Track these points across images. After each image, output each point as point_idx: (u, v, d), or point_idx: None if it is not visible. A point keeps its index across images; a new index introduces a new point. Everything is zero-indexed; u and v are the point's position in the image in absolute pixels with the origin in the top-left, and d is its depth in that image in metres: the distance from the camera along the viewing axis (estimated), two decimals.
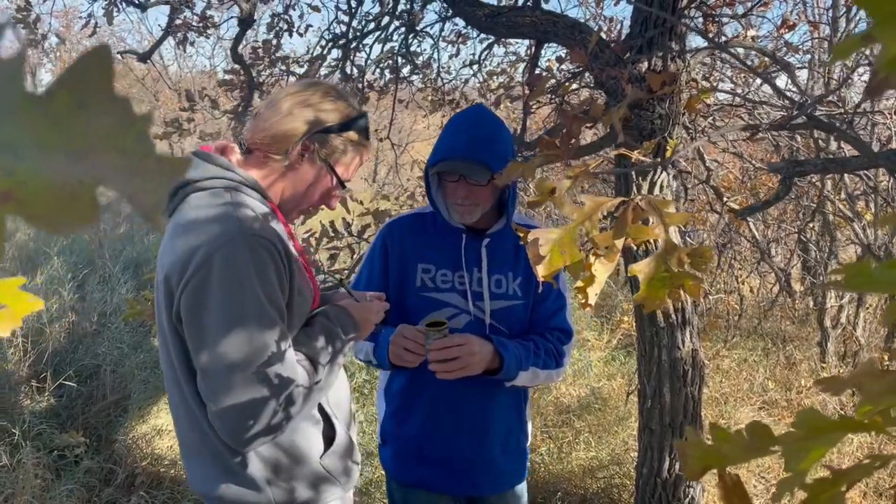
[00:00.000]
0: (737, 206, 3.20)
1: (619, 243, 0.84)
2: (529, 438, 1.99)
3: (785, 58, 3.33)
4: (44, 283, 5.07)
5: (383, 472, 3.26)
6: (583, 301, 0.84)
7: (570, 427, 3.98)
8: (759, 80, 4.79)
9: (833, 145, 4.37)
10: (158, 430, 3.52)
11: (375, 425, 3.79)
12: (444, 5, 3.54)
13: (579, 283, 0.85)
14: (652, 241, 0.95)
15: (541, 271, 0.86)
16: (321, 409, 1.42)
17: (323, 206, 1.51)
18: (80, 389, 3.72)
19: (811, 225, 5.57)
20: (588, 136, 5.09)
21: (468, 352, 1.63)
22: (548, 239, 0.86)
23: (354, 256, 3.21)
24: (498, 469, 1.88)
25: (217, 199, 1.27)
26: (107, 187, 0.25)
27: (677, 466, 2.71)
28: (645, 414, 2.77)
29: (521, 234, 0.89)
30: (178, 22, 4.05)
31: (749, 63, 3.59)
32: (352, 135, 1.42)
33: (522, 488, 1.99)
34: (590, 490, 3.31)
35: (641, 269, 0.84)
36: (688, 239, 5.84)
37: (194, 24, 4.21)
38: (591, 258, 0.84)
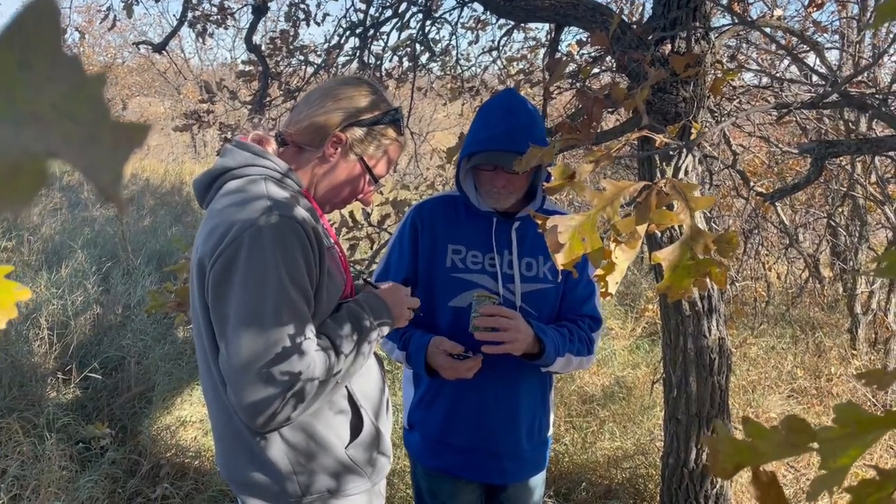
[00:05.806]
0: (764, 191, 3.12)
1: (642, 229, 0.80)
2: (552, 428, 1.97)
3: (813, 37, 3.23)
4: (68, 276, 5.13)
5: (406, 462, 3.26)
6: (602, 290, 0.81)
7: (595, 417, 3.94)
8: (785, 63, 4.67)
9: (863, 127, 4.25)
10: (182, 422, 3.53)
11: (395, 415, 3.78)
12: None
13: (599, 272, 0.81)
14: (676, 227, 0.91)
15: (560, 259, 0.82)
16: (349, 399, 1.41)
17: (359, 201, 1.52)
18: (105, 381, 3.75)
19: (840, 209, 5.43)
20: (611, 121, 5.01)
21: (516, 327, 1.63)
22: (567, 226, 0.82)
23: (374, 247, 3.18)
24: (523, 457, 1.87)
25: (251, 185, 1.30)
26: (59, 159, 0.22)
27: (704, 457, 2.65)
28: (671, 404, 2.72)
29: (540, 222, 0.86)
30: (196, 13, 4.04)
31: (776, 44, 3.49)
32: (384, 129, 1.44)
33: (542, 477, 1.98)
34: (615, 480, 3.27)
35: (666, 256, 0.80)
36: (713, 225, 5.74)
37: (213, 15, 4.20)
38: (612, 245, 0.80)
